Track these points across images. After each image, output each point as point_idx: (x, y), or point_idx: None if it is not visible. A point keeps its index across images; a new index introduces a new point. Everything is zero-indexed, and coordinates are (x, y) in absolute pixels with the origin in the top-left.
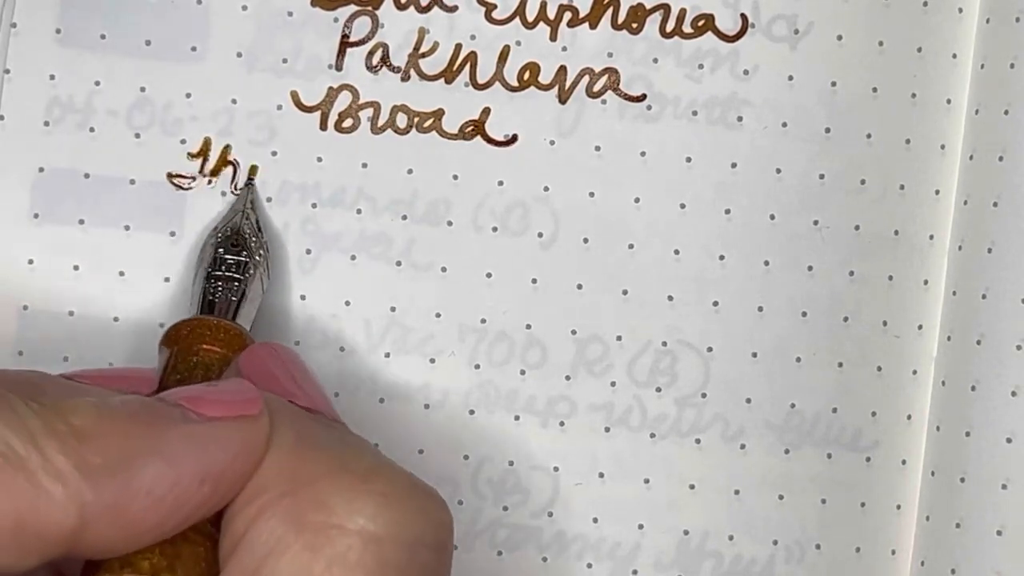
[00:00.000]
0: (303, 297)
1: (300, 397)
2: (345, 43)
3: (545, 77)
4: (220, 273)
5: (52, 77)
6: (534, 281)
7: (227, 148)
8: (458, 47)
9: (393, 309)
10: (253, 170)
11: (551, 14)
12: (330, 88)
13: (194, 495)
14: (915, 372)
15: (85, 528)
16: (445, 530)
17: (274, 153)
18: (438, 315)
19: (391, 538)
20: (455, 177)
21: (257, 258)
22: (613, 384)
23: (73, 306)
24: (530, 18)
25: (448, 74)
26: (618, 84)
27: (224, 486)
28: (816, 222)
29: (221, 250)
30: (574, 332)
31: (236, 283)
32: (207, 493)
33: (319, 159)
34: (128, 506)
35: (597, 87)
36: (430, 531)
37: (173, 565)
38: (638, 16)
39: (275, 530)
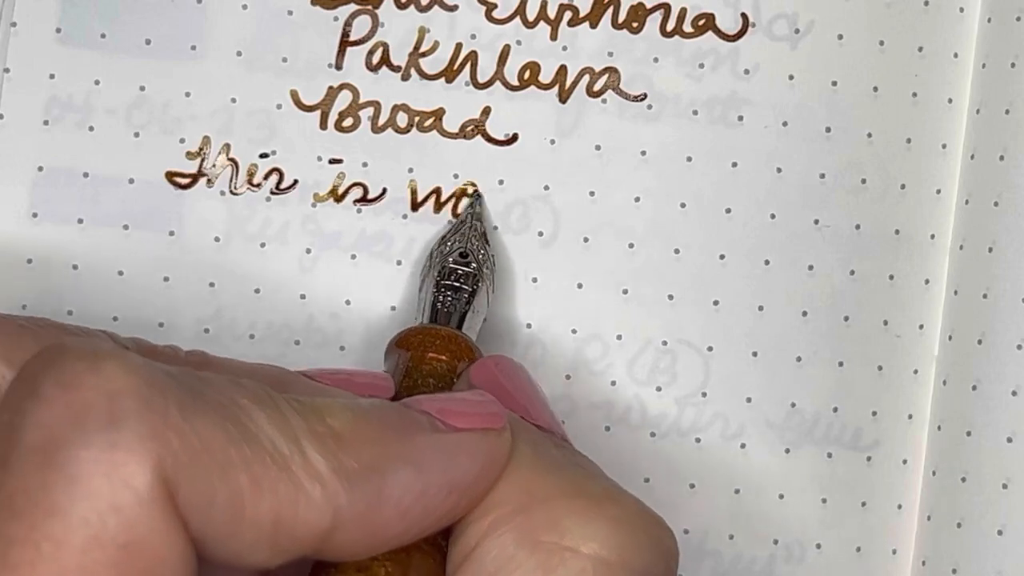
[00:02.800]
0: (303, 297)
1: (531, 413)
2: (345, 42)
3: (545, 76)
4: (449, 283)
5: (52, 76)
6: (534, 280)
7: (226, 147)
8: (458, 46)
9: (393, 309)
10: (469, 188)
11: (551, 13)
12: (330, 87)
13: (440, 505)
14: (916, 371)
15: (335, 531)
16: (673, 559)
17: (274, 152)
18: None
19: (622, 565)
20: (455, 176)
21: (485, 271)
22: (613, 383)
23: (72, 305)
24: (530, 17)
25: (448, 73)
26: (618, 83)
27: (467, 498)
28: (817, 221)
29: (451, 260)
30: (574, 331)
31: (464, 294)
32: (452, 504)
33: (319, 158)
34: (378, 512)
35: (597, 86)
36: (659, 559)
37: (406, 574)
38: (638, 15)
39: (507, 547)
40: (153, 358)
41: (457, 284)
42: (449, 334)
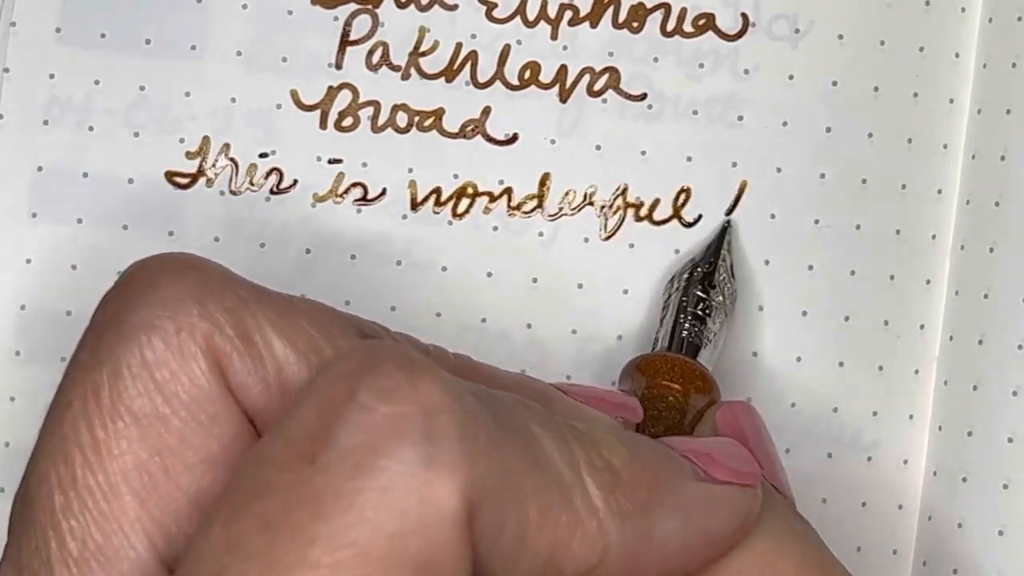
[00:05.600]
0: (302, 296)
1: (765, 468)
2: (345, 42)
3: (546, 76)
4: (695, 311)
5: (51, 76)
6: (534, 280)
7: (226, 147)
8: (458, 46)
9: (393, 309)
10: (730, 212)
11: (552, 13)
12: (330, 87)
13: (697, 556)
14: (917, 372)
15: (598, 567)
16: None
17: (273, 152)
18: (438, 314)
19: None
20: (455, 176)
21: (729, 304)
22: (613, 383)
23: (71, 306)
24: (531, 17)
25: (448, 73)
26: (619, 83)
27: (720, 552)
28: (817, 221)
29: (699, 289)
30: (574, 331)
31: (706, 324)
32: (708, 556)
33: (318, 158)
34: (641, 555)
35: (598, 86)
36: None
37: None
38: (639, 15)
39: None
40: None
41: (702, 314)
42: (689, 366)
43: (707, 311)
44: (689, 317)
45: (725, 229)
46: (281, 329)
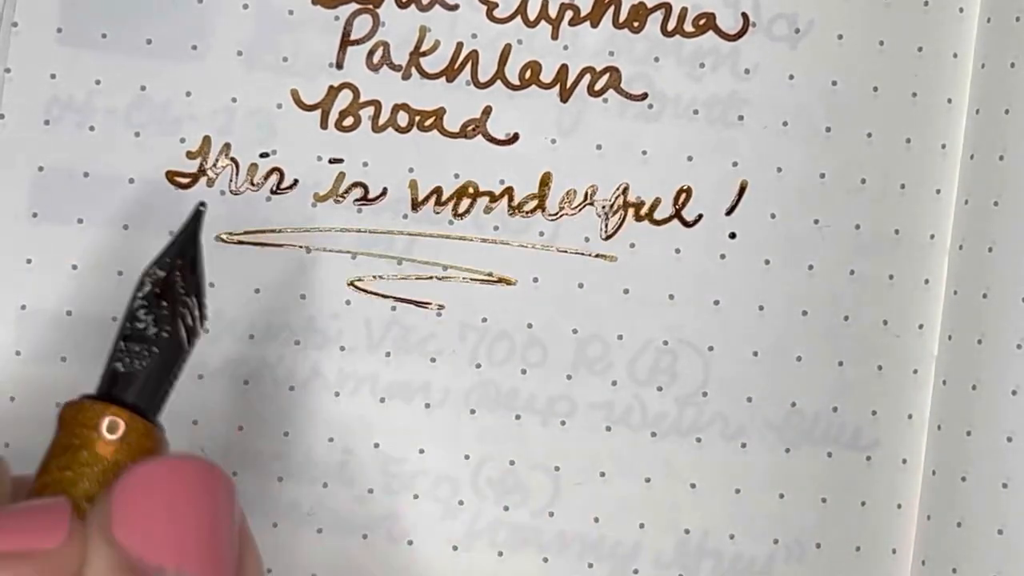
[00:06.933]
0: (303, 296)
1: (171, 549)
2: (346, 41)
3: (546, 76)
4: (134, 332)
5: (53, 76)
6: (535, 280)
7: (227, 147)
8: (459, 46)
9: (394, 308)
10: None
11: (552, 13)
12: (331, 87)
13: None
14: (916, 371)
15: None
16: None
17: (274, 152)
18: (439, 314)
19: None
20: (456, 176)
21: (187, 318)
22: (614, 383)
23: (71, 306)
24: (531, 17)
25: (449, 73)
26: (619, 83)
27: None
28: (817, 221)
29: (141, 300)
30: (575, 331)
31: (148, 351)
32: None
33: (319, 158)
34: None
35: (598, 86)
36: None
37: None
38: (639, 15)
39: None
40: None
41: (145, 333)
42: (111, 412)
43: (152, 329)
44: (125, 342)
45: (198, 215)
46: None
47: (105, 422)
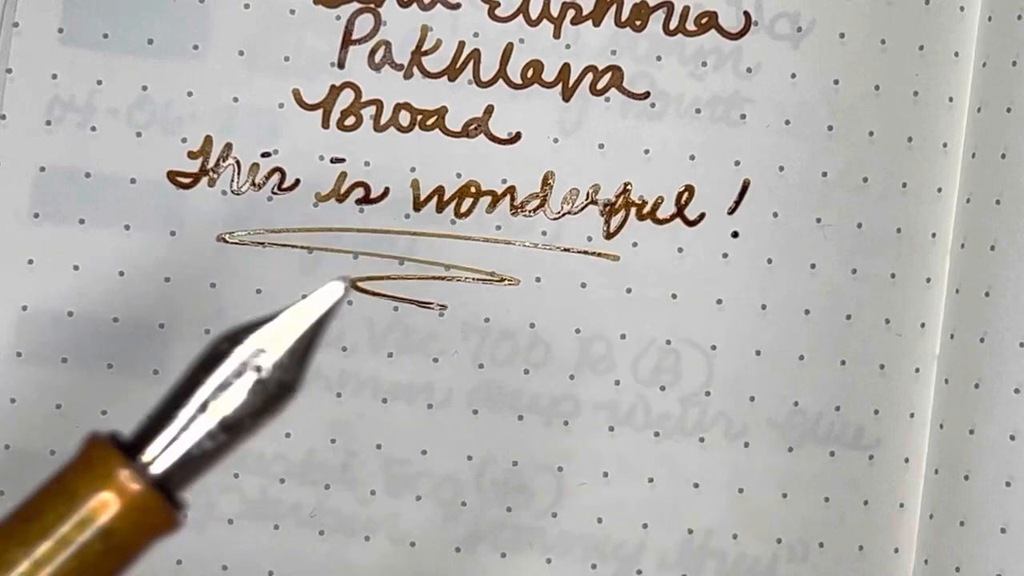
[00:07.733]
0: (305, 297)
1: None
2: (347, 41)
3: (548, 75)
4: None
5: (54, 76)
6: (537, 280)
7: (228, 147)
8: (461, 45)
9: (396, 308)
10: None
11: (554, 12)
12: (332, 86)
13: None
14: (918, 370)
15: None
16: None
17: (276, 151)
18: (441, 314)
19: None
20: (458, 175)
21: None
22: (617, 383)
23: (72, 306)
24: (533, 16)
25: (451, 72)
26: (621, 82)
27: None
28: (819, 220)
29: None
30: (578, 331)
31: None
32: None
33: (321, 157)
34: None
35: (600, 85)
36: None
37: None
38: (641, 14)
39: None
40: None
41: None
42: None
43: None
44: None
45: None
46: None
47: None
